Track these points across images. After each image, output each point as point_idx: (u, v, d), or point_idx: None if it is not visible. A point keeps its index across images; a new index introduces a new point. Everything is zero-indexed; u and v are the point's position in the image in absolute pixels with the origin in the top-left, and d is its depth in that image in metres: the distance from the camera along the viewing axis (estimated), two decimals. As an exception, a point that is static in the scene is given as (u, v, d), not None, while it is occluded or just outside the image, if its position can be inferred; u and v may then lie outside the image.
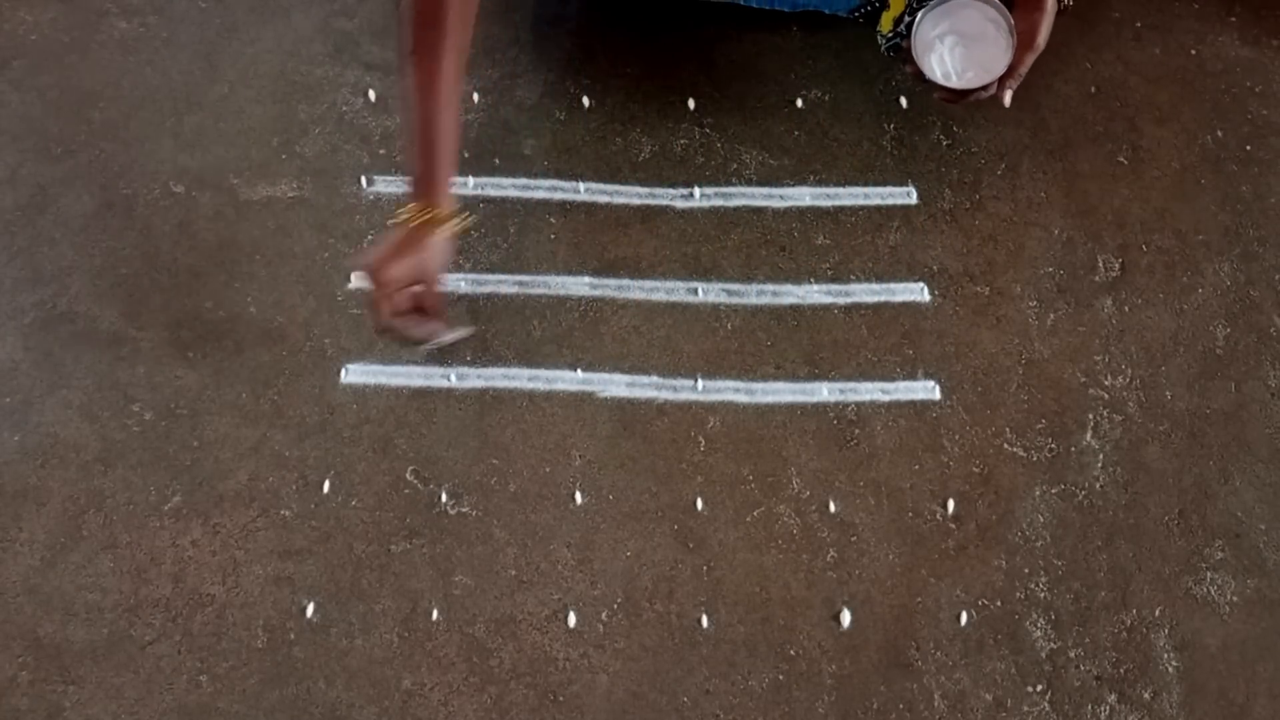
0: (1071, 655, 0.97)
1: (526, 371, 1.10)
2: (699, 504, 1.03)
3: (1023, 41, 1.02)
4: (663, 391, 1.08)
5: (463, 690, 0.95)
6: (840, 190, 1.20)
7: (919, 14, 1.04)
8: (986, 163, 1.22)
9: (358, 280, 1.10)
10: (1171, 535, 1.02)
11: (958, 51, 1.04)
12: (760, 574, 1.00)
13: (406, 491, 1.04)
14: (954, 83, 1.04)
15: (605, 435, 1.06)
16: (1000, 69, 1.03)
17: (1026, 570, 1.00)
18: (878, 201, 1.19)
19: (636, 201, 1.19)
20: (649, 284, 1.14)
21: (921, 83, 1.06)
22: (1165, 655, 0.96)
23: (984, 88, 1.04)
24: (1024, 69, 1.04)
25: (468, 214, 1.00)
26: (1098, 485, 1.04)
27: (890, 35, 1.15)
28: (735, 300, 1.14)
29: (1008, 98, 1.06)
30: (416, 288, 0.97)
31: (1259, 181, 1.20)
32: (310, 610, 0.98)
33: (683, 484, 1.04)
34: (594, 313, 1.13)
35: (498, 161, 1.22)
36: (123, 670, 0.95)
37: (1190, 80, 1.27)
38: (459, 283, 1.14)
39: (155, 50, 1.29)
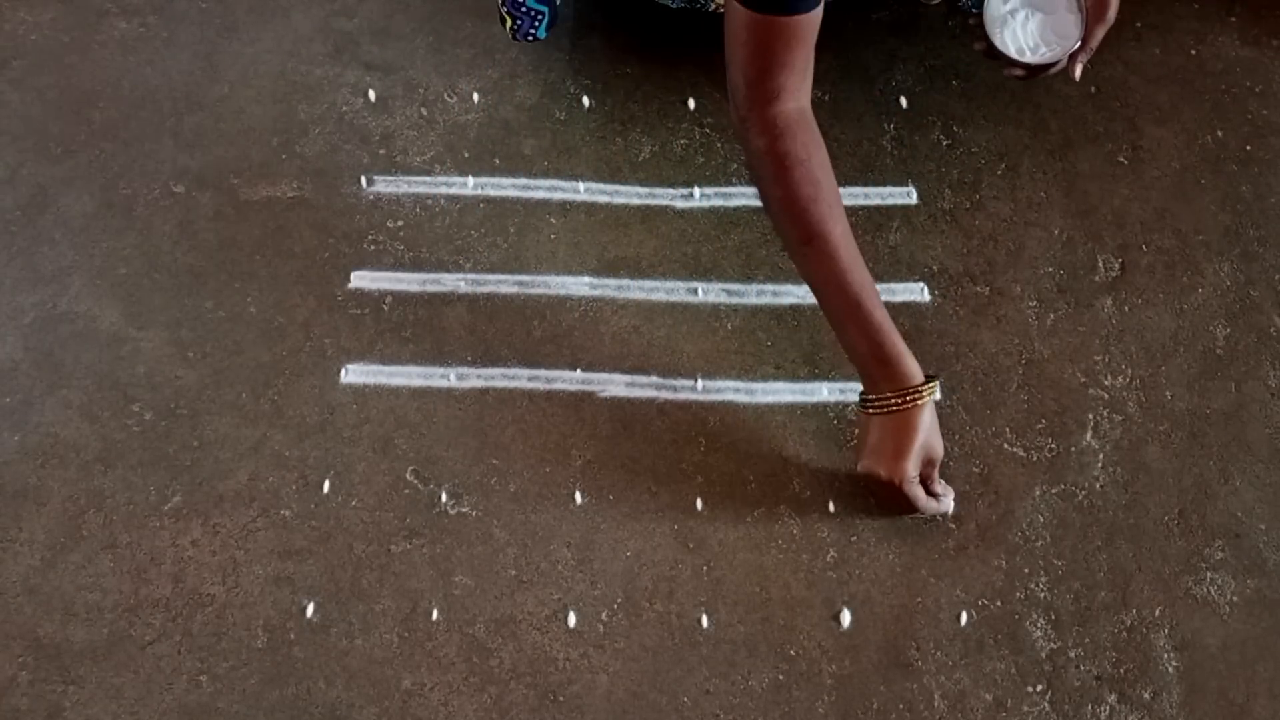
0: (1071, 655, 0.97)
1: (526, 371, 1.10)
2: (699, 504, 1.03)
3: (1094, 14, 1.02)
4: (663, 391, 1.08)
5: (463, 690, 0.95)
6: (840, 190, 1.20)
7: None
8: (986, 163, 1.22)
9: None
10: (1171, 535, 1.02)
11: (1031, 25, 1.03)
12: (760, 574, 1.00)
13: (406, 491, 1.04)
14: (1028, 58, 1.03)
15: (605, 435, 1.06)
16: (1073, 43, 1.02)
17: (1026, 570, 1.00)
18: (878, 201, 1.19)
19: (636, 201, 1.19)
20: (649, 284, 1.14)
21: (993, 59, 1.05)
22: (1165, 655, 0.96)
23: (1055, 63, 1.04)
24: (1095, 42, 1.03)
25: (939, 378, 0.97)
26: (1098, 485, 1.04)
27: None
28: (735, 300, 1.14)
29: (1078, 71, 1.05)
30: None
31: (1259, 181, 1.21)
32: (310, 610, 0.98)
33: (683, 484, 1.04)
34: (594, 313, 1.13)
35: (498, 161, 1.22)
36: (123, 670, 0.95)
37: (1190, 80, 1.27)
38: (459, 283, 1.14)
39: (155, 50, 1.29)
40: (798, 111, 0.93)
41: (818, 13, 0.90)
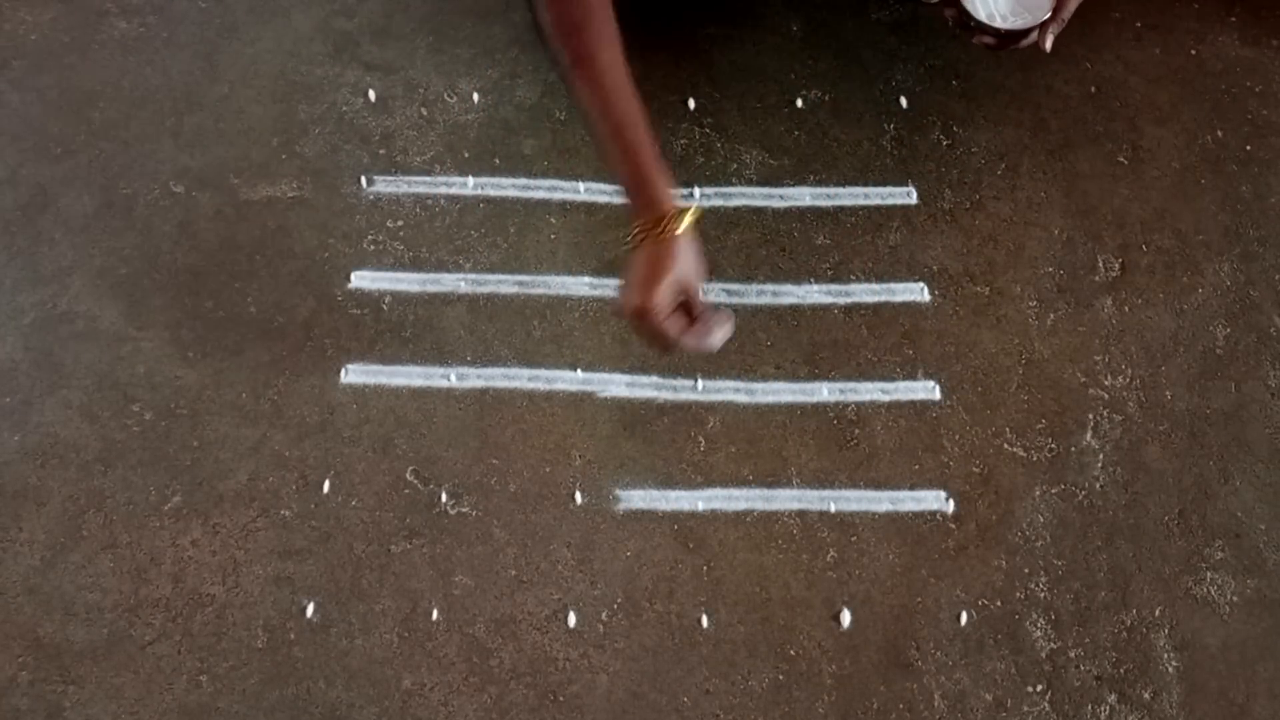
0: (1071, 655, 0.97)
1: (526, 371, 1.10)
2: (699, 504, 1.03)
3: None
4: (663, 391, 1.08)
5: (463, 690, 0.95)
6: (840, 190, 1.20)
7: None
8: (986, 163, 1.22)
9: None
10: (1171, 535, 1.02)
11: None
12: (760, 574, 1.00)
13: (406, 491, 1.04)
14: (998, 23, 1.02)
15: (605, 435, 1.06)
16: (1044, 13, 1.01)
17: (1026, 570, 1.00)
18: (878, 201, 1.19)
19: (636, 201, 1.19)
20: (649, 284, 1.14)
21: (963, 28, 1.04)
22: (1165, 655, 0.96)
23: (1026, 33, 1.03)
24: (1068, 13, 1.02)
25: (698, 205, 0.93)
26: (1098, 485, 1.04)
27: None
28: (735, 300, 1.14)
29: (1049, 42, 1.03)
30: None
31: (1259, 181, 1.21)
32: (310, 610, 0.98)
33: (682, 484, 1.04)
34: (594, 313, 1.13)
35: (498, 161, 1.22)
36: (123, 670, 0.95)
37: (1190, 80, 1.27)
38: (459, 283, 1.14)
39: (155, 50, 1.29)
40: None
41: None
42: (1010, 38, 1.03)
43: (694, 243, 0.91)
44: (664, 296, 0.89)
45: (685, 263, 0.90)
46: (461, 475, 1.04)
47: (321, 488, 1.04)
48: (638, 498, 1.03)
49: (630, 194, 0.92)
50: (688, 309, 0.91)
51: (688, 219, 0.91)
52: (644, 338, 0.91)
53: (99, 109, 1.25)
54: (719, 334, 0.91)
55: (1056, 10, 1.02)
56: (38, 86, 1.26)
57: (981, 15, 1.02)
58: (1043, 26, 1.03)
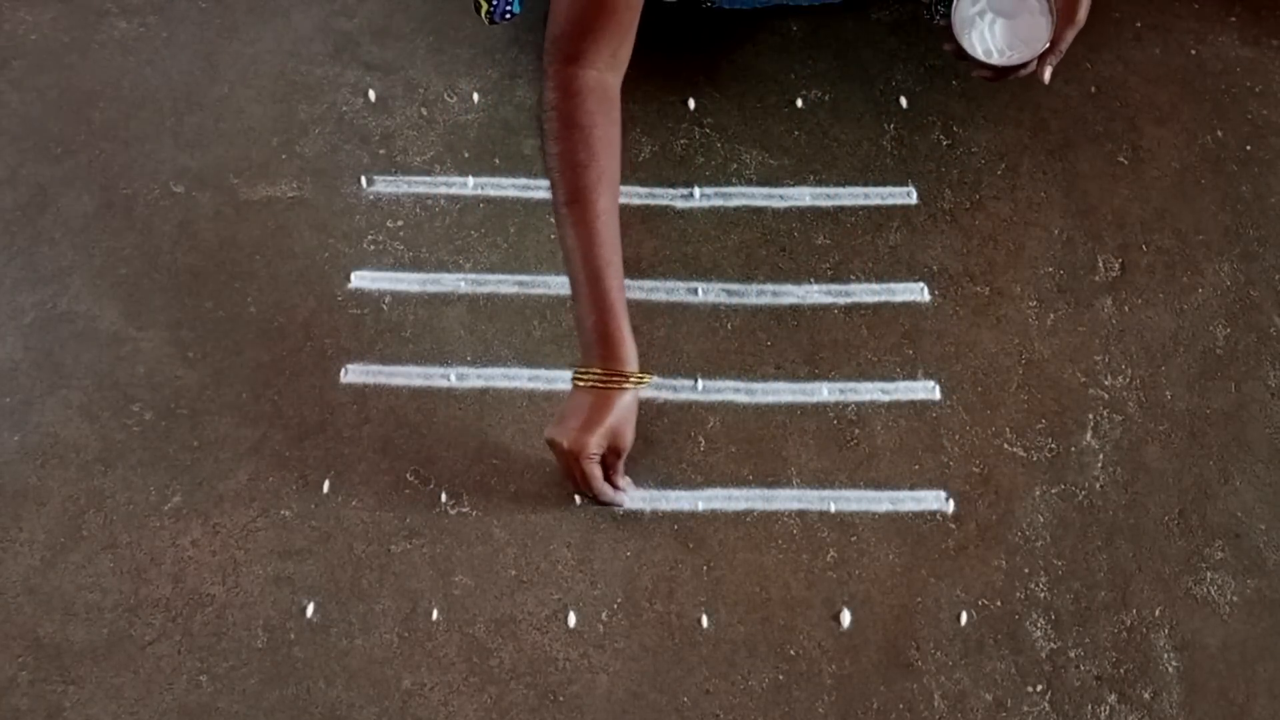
0: (1071, 655, 0.97)
1: (526, 371, 1.10)
2: (699, 504, 1.03)
3: (1064, 16, 1.03)
4: (663, 391, 1.08)
5: (463, 690, 0.95)
6: (840, 190, 1.20)
7: None
8: (986, 163, 1.22)
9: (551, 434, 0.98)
10: (1171, 535, 1.02)
11: (999, 28, 1.04)
12: (760, 574, 1.00)
13: (406, 491, 1.04)
14: (995, 60, 1.04)
15: (605, 435, 1.06)
16: (1042, 45, 1.03)
17: (1026, 570, 1.00)
18: (878, 201, 1.19)
19: (636, 201, 1.19)
20: (649, 284, 1.14)
21: (961, 60, 1.06)
22: (1165, 655, 0.96)
23: (1024, 65, 1.04)
24: (1065, 45, 1.04)
25: (652, 374, 0.98)
26: (1098, 485, 1.04)
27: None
28: (735, 300, 1.14)
29: (1048, 74, 1.06)
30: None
31: (1259, 181, 1.21)
32: (310, 610, 0.98)
33: (682, 484, 1.04)
34: (594, 313, 1.13)
35: (498, 161, 1.22)
36: (123, 670, 0.95)
37: (1190, 80, 1.27)
38: (459, 283, 1.14)
39: (155, 50, 1.29)
40: (597, 81, 0.95)
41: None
42: (1008, 70, 1.05)
43: (635, 402, 0.96)
44: (595, 444, 0.95)
45: (626, 418, 0.96)
46: (461, 475, 1.04)
47: (321, 488, 1.04)
48: (638, 498, 1.03)
49: (591, 341, 0.94)
50: (609, 461, 0.98)
51: (645, 384, 0.96)
52: (566, 473, 0.98)
53: (99, 109, 1.25)
54: (627, 497, 1.01)
55: (1054, 42, 1.03)
56: (38, 86, 1.26)
57: (979, 52, 1.04)
58: (1041, 57, 1.04)
